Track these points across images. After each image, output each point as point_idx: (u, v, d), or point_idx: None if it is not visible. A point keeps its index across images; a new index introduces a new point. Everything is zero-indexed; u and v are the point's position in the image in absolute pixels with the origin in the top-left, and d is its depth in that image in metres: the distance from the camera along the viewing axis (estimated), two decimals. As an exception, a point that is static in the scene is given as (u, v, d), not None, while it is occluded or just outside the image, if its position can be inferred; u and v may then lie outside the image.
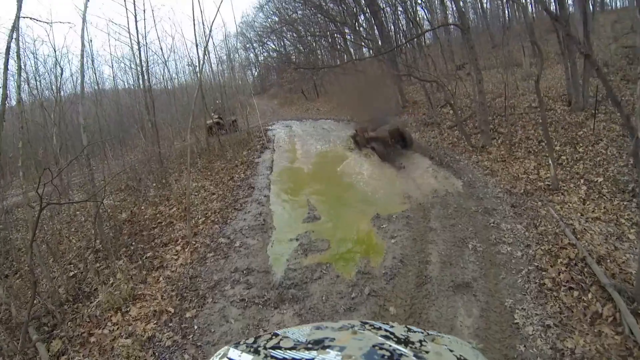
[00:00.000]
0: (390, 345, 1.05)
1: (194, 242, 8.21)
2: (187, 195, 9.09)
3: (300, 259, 7.33)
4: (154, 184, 11.55)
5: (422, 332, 1.17)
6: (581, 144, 10.20)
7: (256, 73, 42.33)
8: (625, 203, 7.56)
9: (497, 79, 16.22)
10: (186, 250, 7.97)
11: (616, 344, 4.72)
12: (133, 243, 8.35)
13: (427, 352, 1.06)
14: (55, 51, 18.37)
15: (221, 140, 16.34)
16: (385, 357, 0.99)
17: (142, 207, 9.95)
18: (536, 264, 6.30)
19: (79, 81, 9.63)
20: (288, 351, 1.06)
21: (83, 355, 5.73)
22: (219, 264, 7.43)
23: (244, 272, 7.10)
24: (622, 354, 4.62)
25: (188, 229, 8.47)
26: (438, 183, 10.00)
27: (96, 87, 17.59)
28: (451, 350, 1.09)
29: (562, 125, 11.48)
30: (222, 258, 7.61)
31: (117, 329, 6.12)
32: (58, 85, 12.80)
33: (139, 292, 6.81)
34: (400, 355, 1.00)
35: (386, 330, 1.15)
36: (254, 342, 1.18)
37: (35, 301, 6.31)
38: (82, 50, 9.40)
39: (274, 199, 10.39)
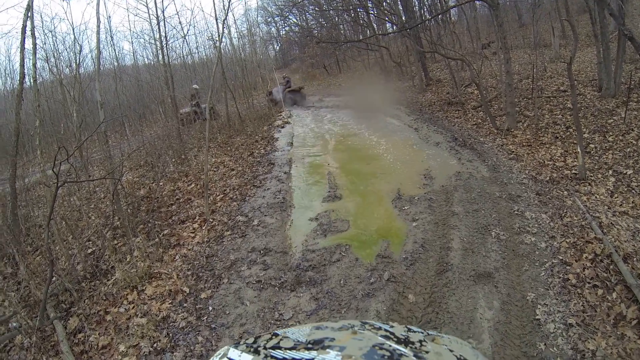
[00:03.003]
0: (390, 345, 1.02)
1: (212, 220, 7.98)
2: (206, 171, 8.83)
3: (319, 240, 7.02)
4: (173, 160, 11.36)
5: (422, 332, 1.14)
6: (611, 133, 9.63)
7: (278, 47, 41.78)
8: None
9: (524, 59, 15.54)
10: (203, 228, 7.75)
11: (639, 349, 4.45)
12: (150, 220, 8.17)
13: (427, 352, 1.03)
14: (73, 28, 18.16)
15: (242, 114, 16.05)
16: (385, 357, 0.95)
17: (161, 183, 9.76)
18: (560, 257, 5.95)
19: (98, 58, 9.34)
20: (288, 351, 1.04)
21: (99, 334, 5.59)
22: (236, 243, 7.18)
23: (262, 252, 6.83)
24: None
25: (206, 206, 8.23)
26: (461, 165, 9.58)
27: (116, 64, 17.40)
28: (451, 350, 1.06)
29: (591, 111, 10.88)
30: (240, 237, 7.36)
31: (133, 307, 5.96)
32: (77, 62, 12.56)
33: (155, 271, 6.62)
34: (400, 355, 0.98)
35: (386, 330, 1.12)
36: (254, 342, 1.15)
37: (53, 279, 6.20)
38: (98, 26, 9.09)
39: (294, 176, 10.08)
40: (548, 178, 8.30)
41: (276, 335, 1.12)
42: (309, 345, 1.04)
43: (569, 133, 10.07)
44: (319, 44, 28.36)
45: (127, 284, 6.36)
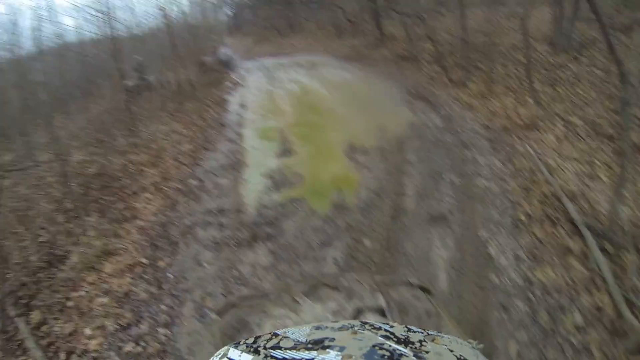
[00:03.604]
0: (390, 345, 0.97)
1: (165, 188, 7.70)
2: (155, 140, 8.50)
3: (273, 195, 6.89)
4: (122, 133, 10.84)
5: (422, 332, 1.09)
6: (561, 85, 9.78)
7: (230, 12, 40.00)
8: (600, 145, 7.30)
9: (479, 16, 15.23)
10: (157, 196, 7.48)
11: (584, 277, 4.74)
12: (103, 197, 7.82)
13: (427, 352, 0.97)
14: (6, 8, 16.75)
15: (192, 80, 15.39)
16: (385, 357, 0.90)
17: (111, 159, 9.33)
18: (511, 198, 6.14)
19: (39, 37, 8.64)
20: (288, 351, 0.97)
21: (63, 322, 5.36)
22: (191, 208, 6.96)
23: (217, 213, 6.65)
24: (588, 286, 4.64)
25: (158, 174, 7.95)
26: (415, 116, 9.56)
27: (59, 41, 16.22)
28: (451, 350, 1.01)
29: (543, 65, 10.93)
30: (194, 201, 7.14)
31: (94, 288, 5.72)
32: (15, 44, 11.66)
33: (112, 247, 6.37)
34: (400, 355, 0.92)
35: (386, 330, 1.07)
36: (254, 342, 1.08)
37: (8, 275, 5.95)
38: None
39: (246, 135, 9.80)
40: (500, 126, 8.43)
41: (276, 335, 1.07)
42: (309, 345, 1.00)
43: (521, 85, 10.17)
44: (271, 4, 27.28)
45: (85, 266, 6.09)
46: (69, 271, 6.11)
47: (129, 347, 4.82)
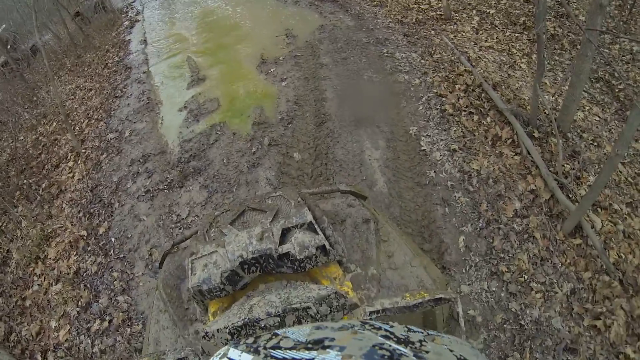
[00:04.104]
0: (390, 345, 0.88)
1: (84, 150, 6.76)
2: (60, 103, 7.40)
3: (193, 127, 6.18)
4: (24, 107, 9.53)
5: (422, 332, 0.98)
6: None
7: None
8: (516, 35, 7.20)
9: None
10: (79, 162, 6.57)
11: (516, 164, 4.71)
12: (25, 181, 6.93)
13: (427, 352, 0.88)
14: None
15: (84, 29, 13.52)
16: (385, 357, 0.83)
17: (21, 138, 8.24)
18: (435, 90, 5.80)
19: None
20: (288, 351, 0.90)
21: (27, 323, 4.89)
22: (115, 163, 6.17)
23: (141, 160, 5.93)
24: (521, 172, 4.63)
25: (73, 138, 6.99)
26: (323, 18, 8.65)
27: None
28: (451, 350, 0.91)
29: None
30: (116, 155, 6.32)
31: (44, 279, 5.16)
32: None
33: (49, 230, 5.66)
34: (400, 355, 0.84)
35: (386, 330, 0.96)
36: (254, 342, 0.98)
37: None
38: None
39: (154, 72, 8.62)
40: (414, 20, 7.94)
41: (276, 335, 0.99)
42: (309, 345, 0.91)
43: None
44: None
45: (29, 260, 5.45)
46: (15, 271, 5.47)
47: (95, 325, 4.46)
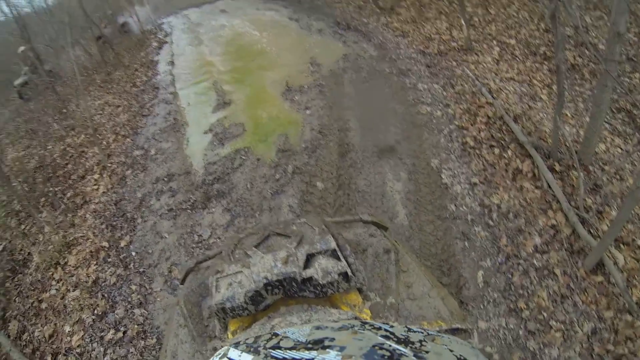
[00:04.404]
0: (390, 345, 0.94)
1: (110, 164, 7.07)
2: (89, 117, 7.77)
3: (218, 150, 6.44)
4: (55, 117, 9.93)
5: (422, 332, 1.05)
6: (493, 6, 9.38)
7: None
8: (537, 65, 7.16)
9: None
10: (104, 175, 6.87)
11: (537, 198, 4.68)
12: (50, 189, 7.20)
13: (427, 352, 0.93)
14: None
15: (114, 47, 14.08)
16: (385, 357, 0.88)
17: (49, 147, 8.58)
18: (457, 123, 5.91)
19: None
20: (288, 351, 0.95)
21: (41, 325, 5.00)
22: (140, 179, 6.45)
23: (166, 179, 6.20)
24: (542, 206, 4.59)
25: (100, 152, 7.31)
26: (347, 47, 9.00)
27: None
28: (451, 350, 0.96)
29: None
30: (141, 172, 6.61)
31: (62, 284, 5.32)
32: None
33: (71, 238, 5.87)
34: (400, 355, 0.89)
35: (386, 330, 1.03)
36: (254, 342, 1.05)
37: None
38: None
39: (180, 93, 9.04)
40: (436, 51, 8.13)
41: (276, 335, 1.06)
42: (309, 345, 0.98)
43: (452, 8, 9.77)
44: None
45: (49, 264, 5.63)
46: (35, 273, 5.65)
47: (109, 334, 4.57)
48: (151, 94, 9.39)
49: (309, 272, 1.93)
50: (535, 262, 4.16)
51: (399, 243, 2.68)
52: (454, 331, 1.71)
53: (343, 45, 9.21)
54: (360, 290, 2.16)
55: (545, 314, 3.77)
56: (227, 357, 1.01)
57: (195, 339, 2.35)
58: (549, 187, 4.70)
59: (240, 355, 0.98)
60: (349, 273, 1.93)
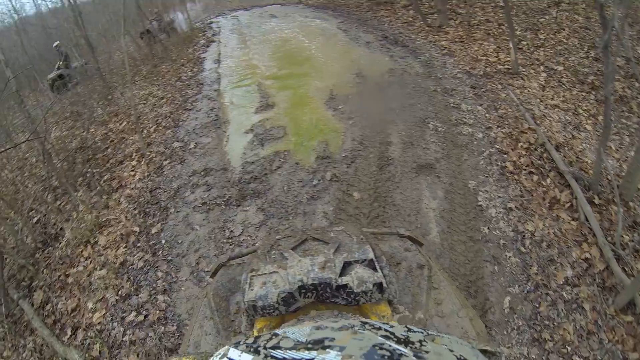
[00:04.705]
0: (390, 345, 0.94)
1: (149, 153, 7.27)
2: (133, 105, 8.01)
3: (257, 150, 6.51)
4: (100, 103, 10.29)
5: (422, 332, 1.06)
6: (542, 31, 9.44)
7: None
8: (583, 94, 7.17)
9: None
10: (142, 163, 7.06)
11: (572, 230, 4.63)
12: (89, 170, 7.43)
13: (427, 352, 0.94)
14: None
15: (164, 41, 14.57)
16: (385, 357, 0.88)
17: (91, 130, 8.86)
18: (497, 146, 5.88)
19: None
20: (288, 351, 0.95)
21: (65, 298, 5.19)
22: (176, 170, 6.58)
23: (202, 173, 6.29)
24: (577, 239, 4.54)
25: (140, 140, 7.52)
26: (394, 62, 9.03)
27: (15, 16, 15.07)
28: (451, 350, 0.97)
29: (523, 10, 10.60)
30: (179, 163, 6.74)
31: (90, 262, 5.48)
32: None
33: (104, 219, 6.06)
34: (400, 355, 0.89)
35: (386, 330, 1.03)
36: (254, 342, 1.04)
37: (5, 261, 5.71)
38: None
39: (224, 91, 9.24)
40: (482, 72, 8.11)
41: (276, 335, 1.07)
42: (309, 345, 0.99)
43: (501, 30, 9.84)
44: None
45: (80, 241, 5.83)
46: (65, 248, 5.85)
47: (131, 316, 4.66)
48: (195, 89, 9.63)
49: (344, 280, 1.94)
50: (564, 294, 4.11)
51: (433, 260, 2.68)
52: (481, 352, 1.68)
53: (389, 60, 9.25)
54: (390, 302, 2.17)
55: (569, 348, 3.72)
56: (227, 357, 1.02)
57: (220, 332, 2.38)
58: (586, 219, 4.63)
59: (240, 355, 0.99)
60: (384, 284, 1.93)
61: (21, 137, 8.89)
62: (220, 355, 1.03)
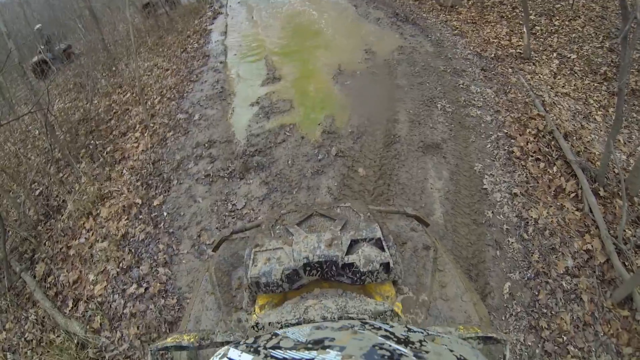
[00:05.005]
0: (390, 345, 0.94)
1: (152, 124, 7.18)
2: (137, 77, 7.87)
3: (262, 123, 6.41)
4: (103, 74, 10.16)
5: (422, 332, 1.06)
6: (557, 17, 9.22)
7: None
8: (595, 84, 7.04)
9: None
10: (145, 134, 6.99)
11: (576, 220, 4.59)
12: (91, 141, 7.37)
13: (427, 352, 0.94)
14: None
15: (169, 13, 14.34)
16: (385, 357, 0.89)
17: (95, 101, 8.76)
18: (505, 130, 5.78)
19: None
20: (288, 351, 0.95)
21: (67, 271, 5.18)
22: (180, 142, 6.50)
23: (206, 145, 6.22)
24: (580, 229, 4.51)
25: (144, 111, 7.42)
26: (403, 40, 8.84)
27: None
28: (451, 350, 0.97)
29: None
30: (182, 135, 6.66)
31: (92, 234, 5.46)
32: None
33: (106, 191, 6.01)
34: (400, 355, 0.90)
35: (386, 330, 1.04)
36: (254, 342, 1.05)
37: (8, 233, 5.73)
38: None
39: (230, 64, 9.07)
40: (493, 55, 7.97)
41: (276, 335, 1.07)
42: (309, 345, 0.99)
43: (515, 13, 9.65)
44: None
45: (82, 213, 5.81)
46: (67, 220, 5.83)
47: (132, 289, 4.64)
48: (201, 61, 9.47)
49: (351, 258, 1.89)
50: (564, 283, 4.11)
51: (438, 242, 2.64)
52: (487, 339, 1.60)
53: (399, 37, 9.04)
54: (394, 283, 2.12)
55: (565, 338, 3.74)
56: (227, 357, 1.01)
57: (221, 307, 2.36)
58: (590, 211, 4.59)
59: (240, 355, 0.99)
60: (391, 264, 1.89)
61: (24, 109, 8.82)
62: (220, 355, 1.03)
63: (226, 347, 1.06)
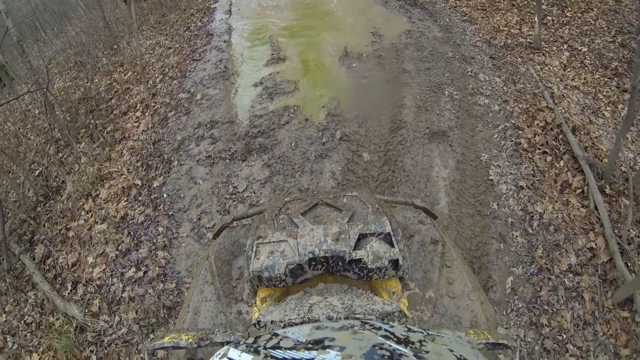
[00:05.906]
0: (390, 345, 0.95)
1: (154, 104, 7.12)
2: (139, 55, 7.78)
3: (266, 104, 6.33)
4: (104, 52, 10.07)
5: (422, 332, 1.07)
6: (570, 9, 8.97)
7: None
8: (605, 79, 6.95)
9: None
10: (146, 114, 6.94)
11: (581, 217, 4.59)
12: (92, 121, 7.32)
13: (427, 352, 0.95)
14: None
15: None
16: (385, 357, 0.89)
17: (95, 80, 8.68)
18: (513, 121, 5.74)
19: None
20: (288, 351, 0.96)
21: (66, 253, 5.18)
22: (181, 122, 6.45)
23: (208, 125, 6.17)
24: (584, 227, 4.50)
25: (145, 90, 7.35)
26: (412, 24, 8.68)
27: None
28: (451, 350, 0.97)
29: None
30: (184, 115, 6.60)
31: (91, 216, 5.45)
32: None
33: (105, 172, 5.98)
34: (400, 355, 0.91)
35: (386, 330, 1.05)
36: (254, 342, 1.05)
37: (7, 215, 5.74)
38: None
39: (234, 43, 8.95)
40: (502, 43, 7.85)
41: (276, 335, 1.07)
42: (309, 345, 0.99)
43: (526, 2, 9.42)
44: None
45: (81, 194, 5.79)
46: (66, 201, 5.81)
47: (130, 272, 4.64)
48: (204, 39, 9.35)
49: (359, 254, 1.83)
50: (566, 281, 4.11)
51: (447, 236, 2.60)
52: (497, 345, 1.55)
53: (407, 21, 8.89)
54: (401, 279, 2.08)
55: (564, 336, 3.77)
56: (227, 357, 1.01)
57: (221, 298, 2.33)
58: (596, 208, 4.59)
59: (240, 355, 0.99)
60: (400, 262, 1.83)
61: (24, 88, 8.76)
62: (220, 355, 1.03)
63: (226, 347, 1.06)
